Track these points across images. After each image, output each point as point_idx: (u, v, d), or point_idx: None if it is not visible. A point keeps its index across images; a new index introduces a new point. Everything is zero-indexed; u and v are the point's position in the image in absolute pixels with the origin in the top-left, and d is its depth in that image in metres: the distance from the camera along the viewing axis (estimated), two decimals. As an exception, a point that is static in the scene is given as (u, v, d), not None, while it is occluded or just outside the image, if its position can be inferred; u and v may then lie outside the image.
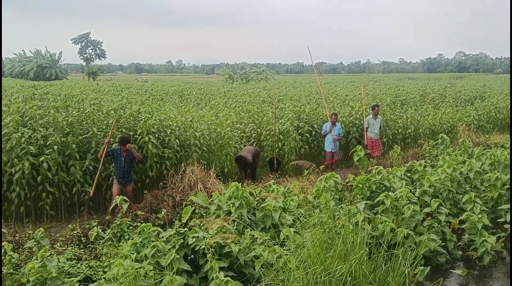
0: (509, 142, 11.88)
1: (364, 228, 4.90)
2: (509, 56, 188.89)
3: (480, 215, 5.56)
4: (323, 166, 10.02)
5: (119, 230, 5.64)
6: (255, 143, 11.11)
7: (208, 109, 14.68)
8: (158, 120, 8.92)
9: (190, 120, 9.70)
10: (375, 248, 4.67)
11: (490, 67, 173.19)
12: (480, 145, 11.39)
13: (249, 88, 28.67)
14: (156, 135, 8.51)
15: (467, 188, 6.95)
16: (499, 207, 6.29)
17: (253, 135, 11.28)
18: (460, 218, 5.98)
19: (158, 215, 6.37)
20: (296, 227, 5.00)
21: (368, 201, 6.24)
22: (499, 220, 6.31)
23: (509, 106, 16.72)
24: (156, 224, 5.94)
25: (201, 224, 5.26)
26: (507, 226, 5.99)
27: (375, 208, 6.15)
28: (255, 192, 6.49)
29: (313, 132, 11.35)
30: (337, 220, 4.98)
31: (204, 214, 6.30)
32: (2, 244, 4.81)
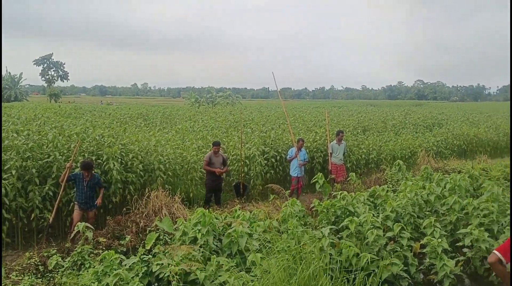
0: (465, 167, 12.36)
1: (329, 253, 4.95)
2: (464, 85, 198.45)
3: (440, 239, 5.73)
4: (289, 191, 10.09)
5: (80, 258, 5.44)
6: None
7: (174, 133, 14.60)
8: (121, 145, 8.78)
9: (154, 144, 9.61)
10: (340, 272, 4.72)
11: (447, 95, 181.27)
12: (439, 171, 11.84)
13: (215, 112, 28.75)
14: (119, 160, 8.36)
15: (428, 212, 7.16)
16: (458, 231, 6.50)
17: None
18: (421, 242, 6.13)
19: (121, 241, 6.20)
20: (262, 252, 4.99)
21: (333, 226, 6.31)
22: (457, 244, 6.51)
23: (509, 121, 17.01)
24: (119, 251, 5.78)
25: (166, 251, 5.16)
26: (466, 249, 6.18)
27: (340, 233, 6.22)
28: (221, 217, 6.45)
29: (279, 157, 11.46)
30: (303, 246, 5.01)
31: (169, 241, 6.18)
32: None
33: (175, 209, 7.65)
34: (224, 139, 12.53)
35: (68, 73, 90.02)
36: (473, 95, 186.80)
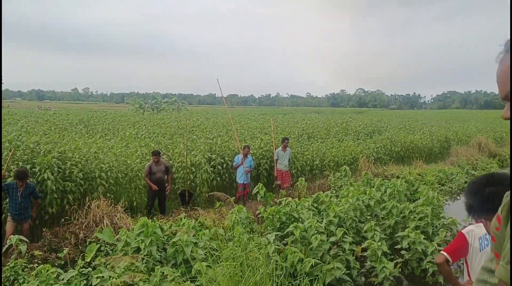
0: (403, 173, 12.97)
1: (274, 260, 4.99)
2: (402, 94, 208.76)
3: (380, 243, 5.95)
4: (235, 197, 10.08)
5: (13, 273, 5.12)
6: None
7: (118, 140, 14.16)
8: (59, 152, 8.38)
9: (95, 151, 9.26)
10: (285, 278, 4.76)
11: (386, 103, 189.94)
12: (379, 176, 12.32)
13: (161, 119, 28.24)
14: (56, 169, 7.96)
15: (368, 217, 7.43)
16: (396, 234, 6.79)
17: (172, 169, 11.04)
18: (362, 246, 6.34)
19: (58, 254, 5.91)
20: (208, 261, 4.94)
21: (278, 232, 6.38)
22: (396, 246, 6.79)
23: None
24: (56, 264, 5.51)
25: (107, 263, 4.97)
26: (403, 252, 6.47)
27: (285, 239, 6.30)
28: (166, 226, 6.33)
29: (225, 164, 11.44)
30: (249, 253, 5.01)
31: (111, 252, 5.97)
32: None
33: (117, 218, 7.41)
34: (169, 146, 12.32)
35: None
36: (409, 103, 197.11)
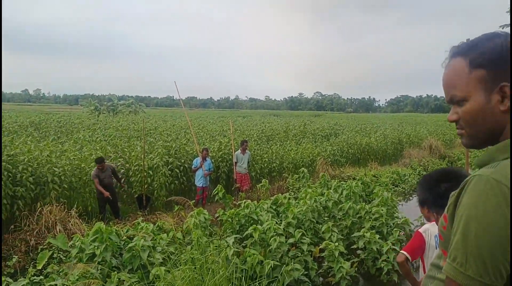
0: (359, 174, 13.31)
1: (234, 262, 4.99)
2: (357, 97, 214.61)
3: (337, 243, 6.08)
4: (194, 201, 9.99)
5: (-44, 284, 4.84)
6: (123, 179, 10.64)
7: (72, 143, 13.70)
8: (8, 155, 8.01)
9: (48, 155, 8.92)
10: (245, 281, 4.77)
11: (342, 107, 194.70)
12: (336, 178, 12.59)
13: (117, 121, 27.58)
14: (6, 173, 7.61)
15: (326, 218, 7.57)
16: (352, 235, 6.96)
17: (121, 170, 10.80)
18: (320, 247, 6.45)
19: (8, 262, 5.64)
20: (167, 265, 4.87)
21: (237, 235, 6.37)
22: (352, 246, 6.96)
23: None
24: (6, 273, 5.25)
25: (60, 270, 4.80)
26: (360, 251, 6.64)
27: (244, 241, 6.31)
28: (122, 231, 6.18)
29: (183, 167, 11.32)
30: (208, 256, 4.99)
31: (64, 259, 5.77)
32: None
33: (71, 224, 7.17)
34: (126, 149, 12.05)
35: None
36: (365, 106, 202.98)
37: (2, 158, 7.72)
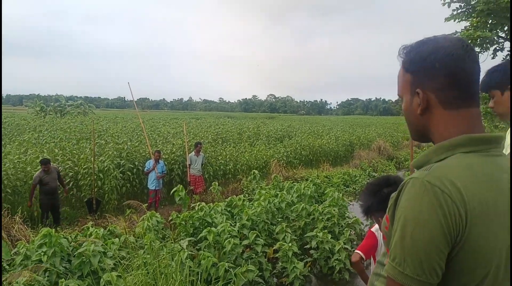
0: (311, 176, 13.57)
1: (188, 266, 4.93)
2: (310, 100, 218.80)
3: (290, 244, 6.17)
4: (147, 204, 9.81)
5: None
6: (72, 183, 10.25)
7: (16, 145, 13.05)
8: None
9: (-11, 158, 8.46)
10: (200, 284, 4.74)
11: (295, 109, 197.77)
12: (290, 179, 12.76)
13: (65, 123, 26.55)
14: None
15: (280, 219, 7.66)
16: (305, 235, 7.09)
17: (70, 174, 10.40)
18: (274, 248, 6.52)
19: None
20: (118, 271, 4.74)
21: (191, 238, 6.32)
22: (306, 246, 7.09)
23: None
24: None
25: (3, 280, 4.55)
26: (312, 251, 6.77)
27: (199, 244, 6.26)
28: (70, 236, 5.95)
29: (135, 170, 11.08)
30: (161, 260, 4.90)
31: (7, 267, 5.47)
32: None
33: (15, 230, 6.82)
34: (74, 152, 11.63)
35: None
36: (317, 109, 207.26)
37: None
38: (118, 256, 5.18)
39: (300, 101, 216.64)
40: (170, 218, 7.02)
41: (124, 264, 4.84)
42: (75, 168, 10.56)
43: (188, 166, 11.27)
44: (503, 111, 2.12)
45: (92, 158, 9.95)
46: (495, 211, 1.06)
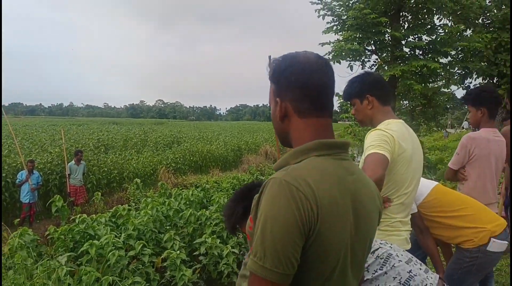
0: (201, 181, 13.57)
1: (67, 283, 4.58)
2: (200, 106, 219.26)
3: (179, 251, 6.08)
4: (19, 219, 8.90)
5: None
6: None
7: None
8: None
9: None
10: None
11: (185, 115, 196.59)
12: (179, 186, 12.62)
13: None
14: None
15: (168, 227, 7.51)
16: (194, 241, 7.05)
17: None
18: (162, 256, 6.37)
19: None
20: (-18, 297, 4.23)
21: (71, 253, 5.89)
22: (195, 253, 7.05)
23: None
24: None
25: None
26: (202, 257, 6.75)
27: (80, 259, 5.86)
28: None
29: (4, 182, 10.01)
30: (36, 279, 4.49)
31: None
32: None
33: None
34: None
35: None
36: (207, 115, 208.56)
37: None
38: (-17, 280, 4.62)
39: (190, 107, 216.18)
40: (47, 232, 6.47)
41: (-10, 288, 4.34)
42: None
43: (67, 176, 10.50)
44: (362, 117, 2.36)
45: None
46: (341, 209, 1.18)
